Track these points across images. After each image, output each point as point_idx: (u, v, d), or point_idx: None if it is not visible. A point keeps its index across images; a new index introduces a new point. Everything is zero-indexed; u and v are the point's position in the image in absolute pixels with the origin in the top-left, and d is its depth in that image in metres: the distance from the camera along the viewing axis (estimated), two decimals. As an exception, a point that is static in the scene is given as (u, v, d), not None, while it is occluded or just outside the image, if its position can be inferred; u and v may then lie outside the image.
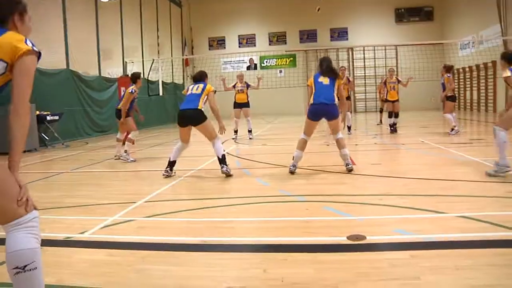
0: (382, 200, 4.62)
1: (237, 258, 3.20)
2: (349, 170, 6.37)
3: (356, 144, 10.05)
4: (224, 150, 6.70)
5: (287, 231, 3.78)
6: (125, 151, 8.85)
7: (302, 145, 6.64)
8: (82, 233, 3.90)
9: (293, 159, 6.62)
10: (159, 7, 24.86)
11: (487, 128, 13.67)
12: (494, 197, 4.60)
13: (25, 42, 2.07)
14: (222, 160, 6.51)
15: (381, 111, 16.45)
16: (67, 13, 15.56)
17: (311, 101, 6.57)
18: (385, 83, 12.93)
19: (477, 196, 4.67)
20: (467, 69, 23.96)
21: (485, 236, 3.37)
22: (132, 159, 8.78)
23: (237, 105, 12.62)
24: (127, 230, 4.01)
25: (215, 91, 6.77)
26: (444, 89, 10.96)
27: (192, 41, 30.02)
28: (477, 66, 22.23)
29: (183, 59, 27.67)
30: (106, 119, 17.53)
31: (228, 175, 6.44)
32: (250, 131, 12.57)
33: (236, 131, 12.48)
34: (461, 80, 25.18)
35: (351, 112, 13.38)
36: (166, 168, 6.74)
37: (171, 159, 6.74)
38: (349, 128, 12.57)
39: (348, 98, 12.60)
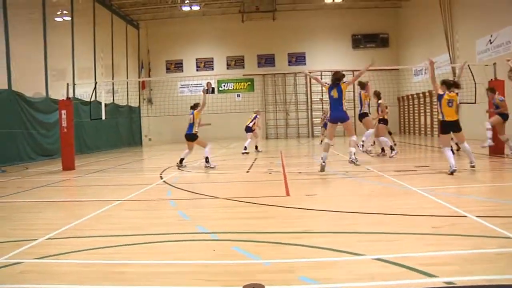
0: (300, 239, 4.26)
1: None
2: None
3: (299, 172, 9.74)
4: None
5: (182, 278, 3.36)
6: None
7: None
8: None
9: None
10: (115, 28, 24.34)
11: (436, 154, 13.71)
12: (419, 234, 4.34)
13: None
14: None
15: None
16: (10, 29, 14.83)
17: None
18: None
19: (401, 234, 4.39)
20: (420, 95, 24.44)
21: (395, 285, 3.05)
22: None
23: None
24: (6, 277, 3.50)
25: None
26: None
27: (149, 63, 29.57)
28: (430, 92, 22.68)
29: (139, 81, 27.14)
30: (54, 143, 16.68)
31: None
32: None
33: None
34: (415, 106, 25.65)
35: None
36: None
37: None
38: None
39: None
